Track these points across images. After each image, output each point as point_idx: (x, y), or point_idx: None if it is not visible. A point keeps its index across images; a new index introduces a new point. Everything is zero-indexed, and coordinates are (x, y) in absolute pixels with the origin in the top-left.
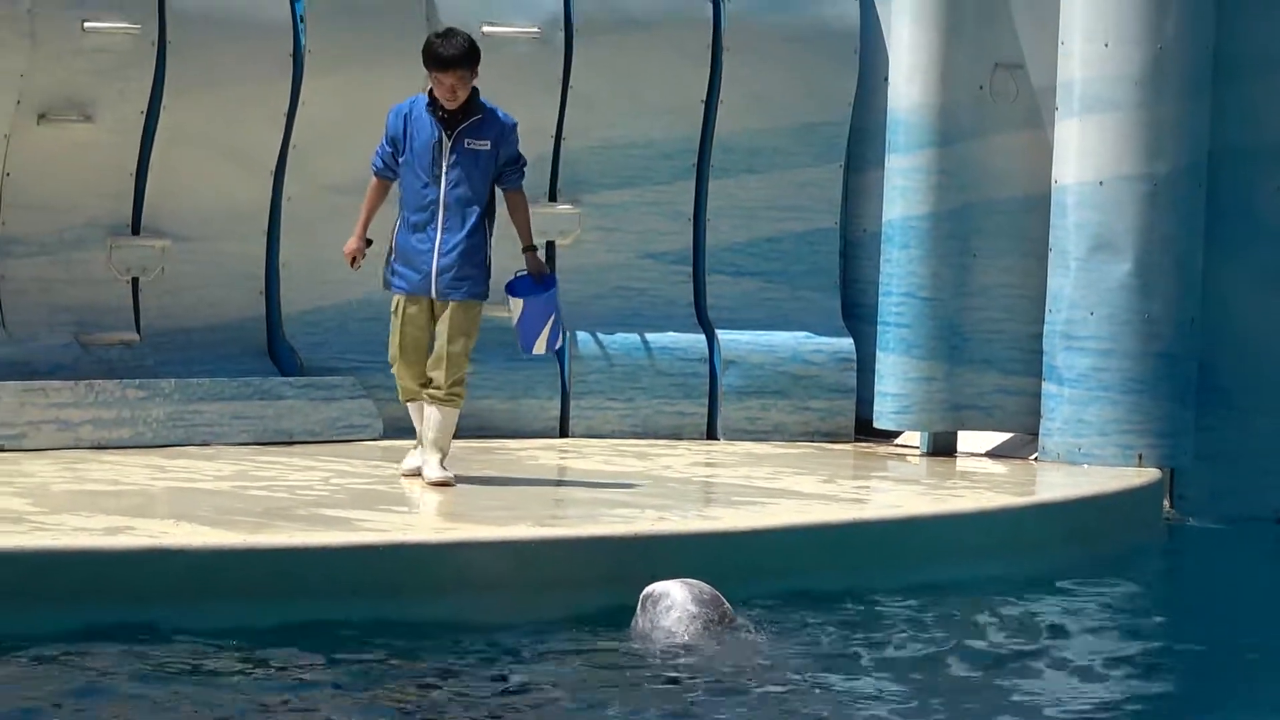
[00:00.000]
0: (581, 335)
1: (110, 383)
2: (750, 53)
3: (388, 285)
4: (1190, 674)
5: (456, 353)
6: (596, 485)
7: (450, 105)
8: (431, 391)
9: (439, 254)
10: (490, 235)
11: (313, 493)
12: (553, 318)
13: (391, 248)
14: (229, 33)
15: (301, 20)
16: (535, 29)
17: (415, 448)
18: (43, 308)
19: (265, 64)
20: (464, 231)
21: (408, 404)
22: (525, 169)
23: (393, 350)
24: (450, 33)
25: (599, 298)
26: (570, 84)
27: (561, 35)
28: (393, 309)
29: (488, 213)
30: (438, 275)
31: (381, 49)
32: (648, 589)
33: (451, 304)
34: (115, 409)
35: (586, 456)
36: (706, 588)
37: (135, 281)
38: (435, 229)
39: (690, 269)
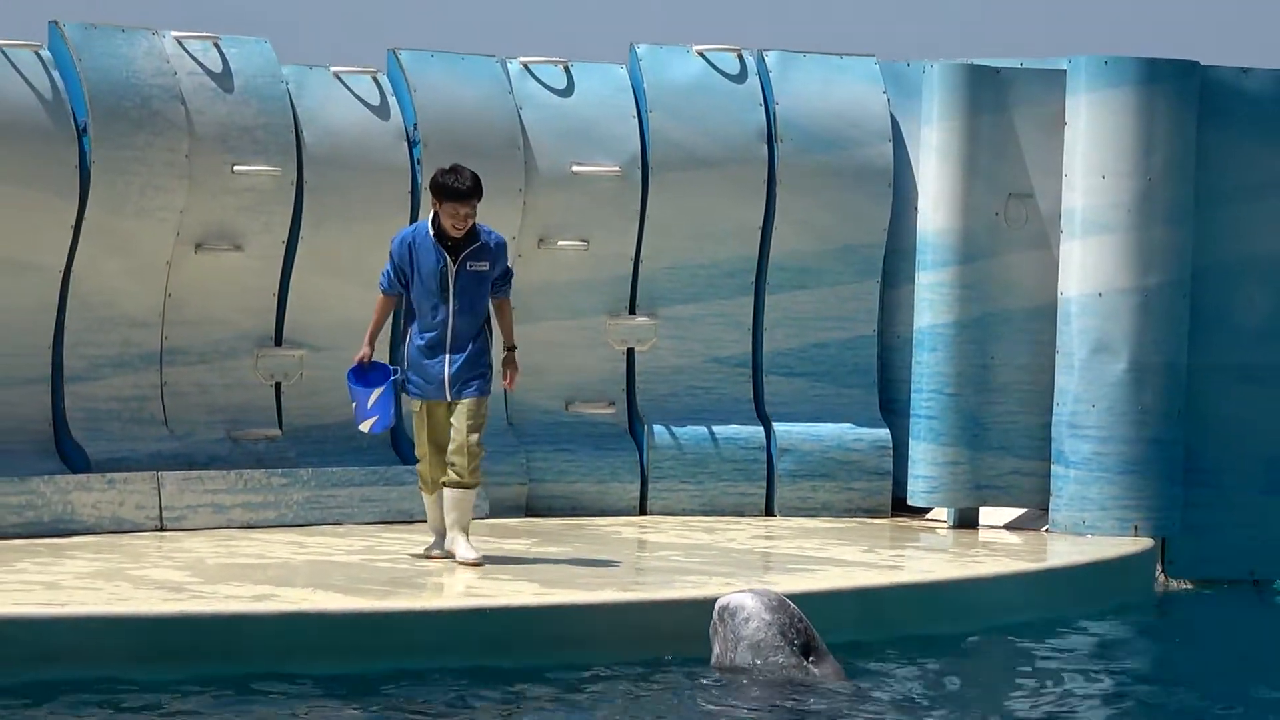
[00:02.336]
0: (658, 428)
1: (257, 472)
2: (799, 186)
3: (405, 391)
4: (1176, 707)
5: (475, 442)
6: (671, 555)
7: (458, 234)
8: (454, 477)
9: (449, 365)
10: (491, 338)
11: (431, 565)
12: (360, 403)
13: (405, 358)
14: (356, 174)
15: (418, 163)
16: (617, 168)
17: (448, 535)
18: (200, 408)
19: (387, 199)
20: (470, 343)
21: (430, 495)
22: (512, 280)
23: (421, 448)
24: (457, 169)
25: (672, 396)
26: (647, 214)
27: (639, 173)
28: (415, 410)
29: (487, 321)
30: (450, 382)
31: (485, 186)
32: (721, 601)
33: (465, 401)
34: (261, 494)
35: (663, 531)
36: (773, 593)
37: (278, 385)
38: (446, 344)
39: (750, 371)
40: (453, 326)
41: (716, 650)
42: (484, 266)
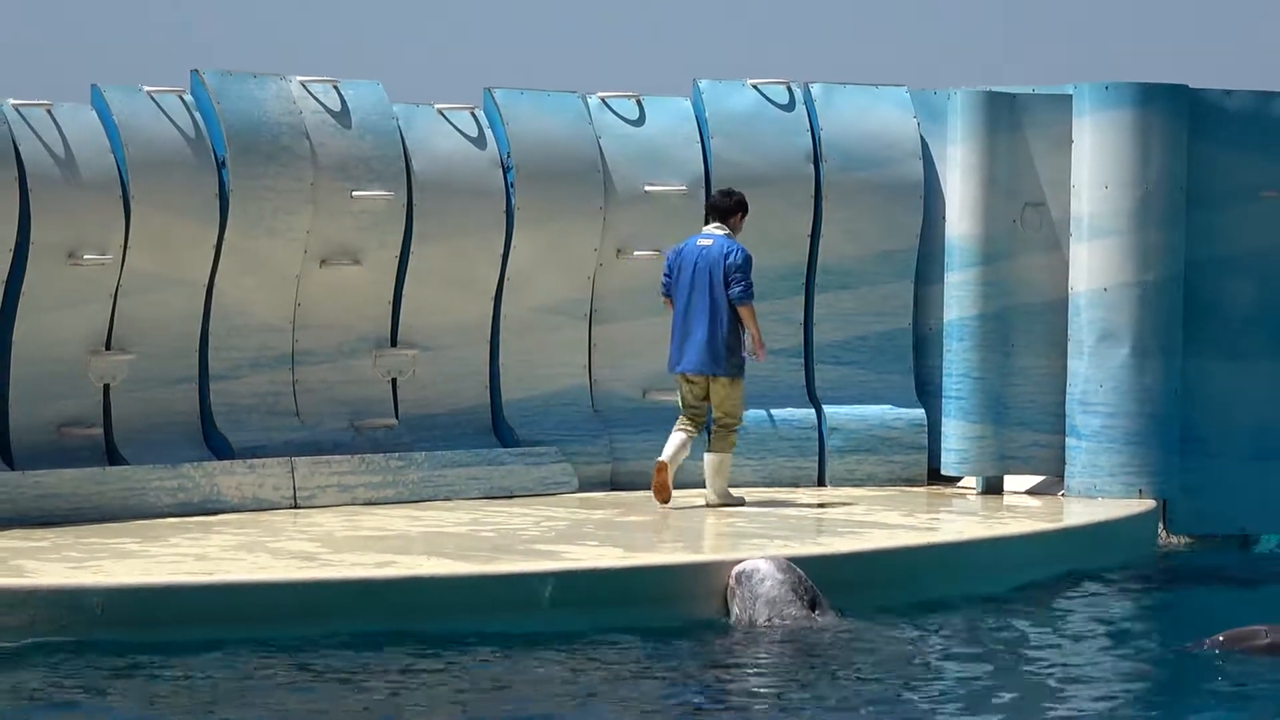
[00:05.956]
0: None
1: (377, 456)
2: (842, 200)
3: (742, 371)
4: (1176, 640)
5: None
6: (737, 522)
7: None
8: None
9: None
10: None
11: (528, 533)
12: None
13: (742, 345)
14: (459, 196)
15: (511, 186)
16: (684, 187)
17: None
18: (327, 401)
19: (486, 218)
20: None
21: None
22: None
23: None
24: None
25: None
26: None
27: (703, 191)
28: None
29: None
30: None
31: (569, 206)
32: (738, 568)
33: None
34: (381, 475)
35: None
36: (782, 559)
37: (394, 381)
38: None
39: (803, 361)
40: None
41: (736, 610)
42: None
